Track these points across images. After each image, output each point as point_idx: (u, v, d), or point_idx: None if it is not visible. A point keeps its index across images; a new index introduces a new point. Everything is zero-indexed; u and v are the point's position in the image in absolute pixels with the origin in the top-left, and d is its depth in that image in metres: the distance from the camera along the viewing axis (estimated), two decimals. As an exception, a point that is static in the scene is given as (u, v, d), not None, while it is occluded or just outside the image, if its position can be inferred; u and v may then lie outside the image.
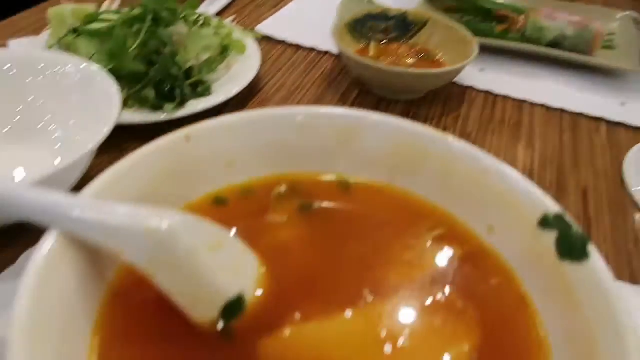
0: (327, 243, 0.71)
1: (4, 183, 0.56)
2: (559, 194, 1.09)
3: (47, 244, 0.54)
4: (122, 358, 0.55)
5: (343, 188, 0.79)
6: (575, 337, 0.57)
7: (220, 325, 0.59)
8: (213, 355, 0.56)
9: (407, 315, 0.62)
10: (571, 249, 0.59)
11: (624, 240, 0.99)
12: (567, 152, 1.23)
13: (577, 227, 0.60)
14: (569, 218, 0.61)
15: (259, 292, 0.63)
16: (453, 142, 0.72)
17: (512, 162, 1.16)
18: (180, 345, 0.57)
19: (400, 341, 0.58)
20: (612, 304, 0.54)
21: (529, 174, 1.14)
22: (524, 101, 1.40)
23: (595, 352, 0.53)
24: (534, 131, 1.29)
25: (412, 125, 0.75)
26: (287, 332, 0.58)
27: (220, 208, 0.75)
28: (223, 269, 0.60)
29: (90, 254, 0.58)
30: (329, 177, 0.80)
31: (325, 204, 0.77)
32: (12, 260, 0.81)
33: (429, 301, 0.64)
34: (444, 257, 0.69)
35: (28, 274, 0.51)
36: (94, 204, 0.56)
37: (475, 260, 0.69)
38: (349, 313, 0.61)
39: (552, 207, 0.63)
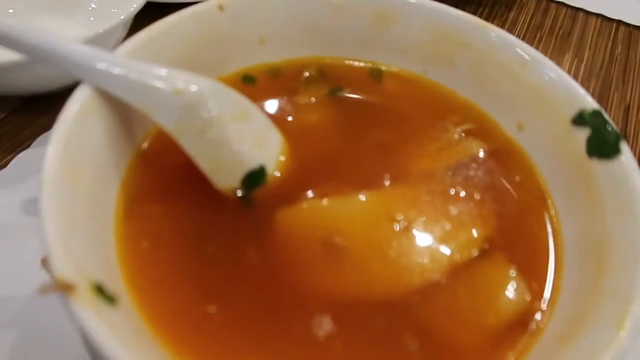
0: (352, 128, 0.71)
1: (40, 34, 0.56)
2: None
3: (79, 96, 0.55)
4: (147, 213, 0.58)
5: (375, 76, 0.77)
6: (591, 236, 0.57)
7: (241, 193, 0.61)
8: (232, 219, 0.59)
9: (422, 201, 0.62)
10: (603, 145, 0.57)
11: (661, 158, 0.96)
12: (616, 66, 1.16)
13: (612, 124, 0.58)
14: (606, 115, 0.59)
15: (281, 167, 0.65)
16: (494, 31, 0.69)
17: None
18: (202, 208, 0.59)
19: (413, 223, 0.60)
20: (635, 204, 0.53)
21: (572, 85, 1.08)
22: (579, 9, 1.31)
23: (608, 253, 0.53)
24: (584, 42, 1.21)
25: (455, 12, 0.71)
26: (304, 204, 0.60)
27: (248, 86, 0.74)
28: (247, 139, 0.61)
29: (121, 112, 0.59)
30: (361, 64, 0.78)
31: (355, 91, 0.76)
32: (49, 127, 0.85)
33: (446, 191, 0.64)
34: (468, 151, 0.69)
35: (60, 123, 0.52)
36: (125, 61, 0.56)
37: (500, 157, 0.68)
38: (366, 194, 0.62)
39: (590, 103, 0.60)
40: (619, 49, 1.21)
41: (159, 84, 0.56)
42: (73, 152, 0.52)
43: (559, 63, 1.15)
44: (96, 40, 0.83)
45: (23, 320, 0.64)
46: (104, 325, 0.39)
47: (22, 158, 0.83)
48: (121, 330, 0.41)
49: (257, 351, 0.49)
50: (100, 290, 0.43)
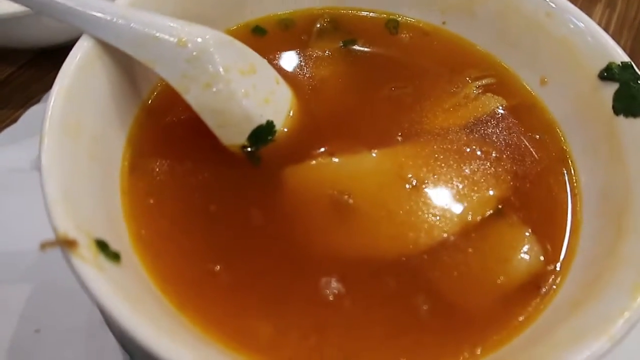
0: (365, 83, 0.68)
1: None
2: (630, 62, 0.98)
3: (80, 48, 0.53)
4: (153, 169, 0.57)
5: (390, 27, 0.73)
6: (611, 198, 0.54)
7: (248, 149, 0.59)
8: (238, 176, 0.58)
9: (436, 159, 0.60)
10: (631, 102, 0.54)
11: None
12: (652, 17, 1.09)
13: None
14: (637, 69, 0.55)
15: (290, 123, 0.63)
16: (519, -23, 0.64)
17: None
18: (208, 164, 0.58)
19: (425, 182, 0.58)
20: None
21: (602, 37, 1.02)
22: (614, -45, 1.22)
23: (629, 217, 0.51)
24: (619, -10, 1.14)
25: (475, -43, 0.67)
26: (313, 161, 0.58)
27: (258, 38, 0.71)
28: (255, 94, 0.59)
29: (125, 66, 0.57)
30: (377, 14, 0.74)
31: (369, 43, 0.72)
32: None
33: (461, 149, 0.62)
34: (486, 107, 0.66)
35: (61, 76, 0.51)
36: (127, 11, 0.54)
37: (520, 114, 0.65)
38: (377, 151, 0.60)
39: (620, 55, 0.56)
40: (656, -1, 1.13)
41: (162, 35, 0.54)
42: (75, 106, 0.50)
43: (589, 13, 1.08)
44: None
45: (36, 274, 0.65)
46: (105, 282, 0.39)
47: (33, 113, 0.82)
48: (123, 287, 0.40)
49: (261, 310, 0.49)
50: (103, 247, 0.43)
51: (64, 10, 0.53)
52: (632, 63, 0.55)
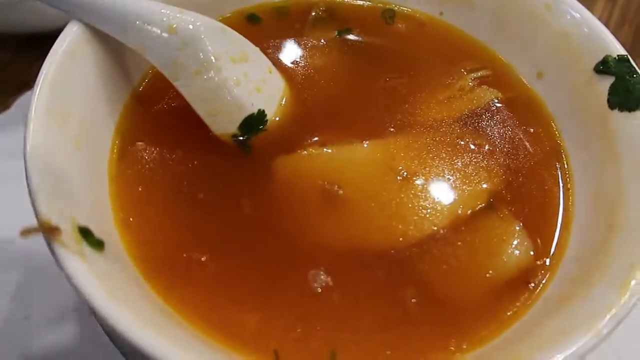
0: (359, 72, 0.67)
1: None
2: (631, 56, 0.97)
3: (67, 34, 0.52)
4: (142, 157, 0.57)
5: (387, 17, 0.72)
6: (604, 194, 0.53)
7: (239, 139, 0.59)
8: (229, 165, 0.57)
9: (428, 151, 0.59)
10: (626, 96, 0.53)
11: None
12: (654, 11, 1.07)
13: (639, 72, 0.53)
14: (634, 63, 0.54)
15: (282, 113, 0.62)
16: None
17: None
18: (198, 152, 0.58)
19: (416, 175, 0.57)
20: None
21: (603, 31, 1.01)
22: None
23: (620, 213, 0.50)
24: (621, -16, 1.12)
25: (473, -54, 0.66)
26: (304, 151, 0.58)
27: (252, 26, 0.71)
28: (247, 82, 0.59)
29: (115, 52, 0.57)
30: (373, 4, 0.73)
31: (365, 33, 0.71)
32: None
33: (455, 141, 0.61)
34: (481, 100, 0.65)
35: (47, 62, 0.50)
36: None
37: (515, 107, 0.64)
38: (369, 142, 0.59)
39: (617, 48, 0.55)
40: (658, -8, 1.12)
41: (153, 21, 0.53)
42: (62, 92, 0.50)
43: (590, 7, 1.07)
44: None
45: (25, 260, 0.64)
46: (87, 270, 0.39)
47: (26, 99, 0.82)
48: (106, 276, 0.40)
49: (248, 301, 0.49)
50: (86, 234, 0.43)
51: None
52: (629, 56, 0.55)
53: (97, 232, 0.44)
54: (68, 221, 0.41)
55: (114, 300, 0.37)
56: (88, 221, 0.44)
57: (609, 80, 0.55)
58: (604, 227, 0.50)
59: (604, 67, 0.56)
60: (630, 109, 0.52)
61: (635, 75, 0.53)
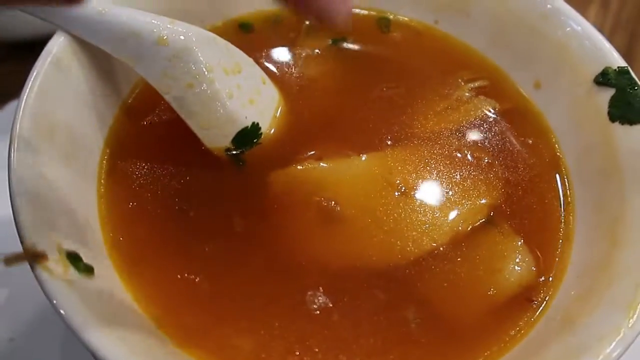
0: (354, 83, 0.66)
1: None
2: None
3: (54, 46, 0.51)
4: (132, 172, 0.55)
5: (382, 26, 0.71)
6: (605, 208, 0.52)
7: (233, 152, 0.57)
8: (222, 180, 0.56)
9: (426, 165, 0.58)
10: (627, 109, 0.52)
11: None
12: (646, 17, 1.07)
13: None
14: (634, 75, 0.53)
15: (277, 125, 0.61)
16: (513, -22, 0.62)
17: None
18: (190, 167, 0.56)
19: (414, 189, 0.56)
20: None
21: (596, 38, 1.01)
22: (609, -47, 1.20)
23: (623, 228, 0.49)
24: (613, -10, 1.12)
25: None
26: (299, 166, 0.56)
27: (245, 35, 0.69)
28: (240, 94, 0.57)
29: (104, 63, 0.55)
30: (368, 12, 0.72)
31: (359, 42, 0.70)
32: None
33: (452, 154, 0.60)
34: (478, 111, 0.64)
35: (33, 75, 0.48)
36: (104, 6, 0.52)
37: (513, 118, 0.63)
38: (366, 156, 0.58)
39: (617, 59, 0.55)
40: (650, -2, 1.12)
41: (142, 32, 0.51)
42: (48, 106, 0.48)
43: (584, 13, 1.07)
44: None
45: (9, 281, 0.62)
46: (74, 299, 0.37)
47: (11, 108, 0.79)
48: (95, 303, 0.38)
49: (243, 323, 0.47)
50: (74, 260, 0.41)
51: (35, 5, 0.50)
52: (629, 68, 0.54)
53: (86, 256, 0.42)
54: (55, 246, 0.40)
55: (102, 329, 0.36)
56: (76, 245, 0.42)
57: (609, 93, 0.54)
58: (607, 242, 0.49)
59: (603, 79, 0.55)
60: (632, 122, 0.52)
61: (636, 88, 0.53)
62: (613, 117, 0.53)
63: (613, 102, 0.54)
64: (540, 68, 0.62)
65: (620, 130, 0.53)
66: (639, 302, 0.41)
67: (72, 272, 0.39)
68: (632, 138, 0.51)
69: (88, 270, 0.41)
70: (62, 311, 0.36)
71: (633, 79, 0.53)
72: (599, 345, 0.39)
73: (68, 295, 0.37)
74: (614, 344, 0.39)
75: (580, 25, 0.58)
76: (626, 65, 0.54)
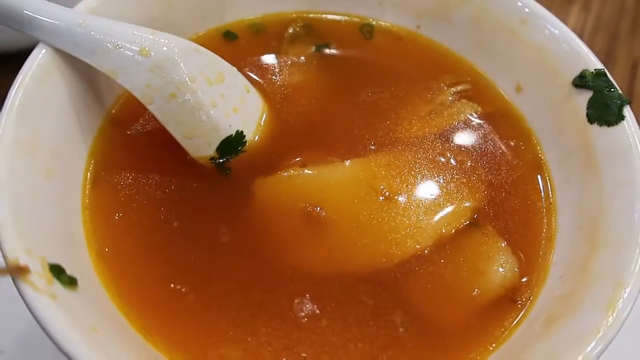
0: (338, 89, 0.67)
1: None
2: (605, 64, 0.97)
3: (35, 58, 0.50)
4: (116, 182, 0.55)
5: (365, 32, 0.72)
6: (586, 208, 0.53)
7: (218, 161, 0.57)
8: (207, 189, 0.56)
9: (410, 169, 0.59)
10: (604, 110, 0.53)
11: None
12: (627, 18, 1.09)
13: (616, 87, 0.54)
14: (611, 77, 0.54)
15: (261, 133, 0.61)
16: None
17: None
18: (175, 176, 0.56)
19: (398, 194, 0.56)
20: (635, 175, 0.49)
21: (578, 39, 1.03)
22: (589, -44, 1.22)
23: (603, 228, 0.49)
24: (594, -8, 1.14)
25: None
26: (283, 173, 0.56)
27: (229, 43, 0.69)
28: (223, 103, 0.57)
29: (86, 74, 0.55)
30: (351, 19, 0.73)
31: (343, 48, 0.70)
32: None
33: (436, 158, 0.60)
34: (461, 115, 0.64)
35: (14, 88, 0.48)
36: (86, 18, 0.52)
37: (495, 121, 0.64)
38: (350, 162, 0.58)
39: (594, 62, 0.55)
40: (629, 0, 1.14)
41: (124, 44, 0.52)
42: (30, 119, 0.48)
43: (565, 15, 1.08)
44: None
45: (1, 289, 0.62)
46: (58, 312, 0.37)
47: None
48: (79, 316, 0.38)
49: (230, 332, 0.47)
50: (58, 272, 0.41)
51: (16, 17, 0.51)
52: (606, 71, 0.55)
53: (70, 268, 0.42)
54: (38, 259, 0.40)
55: (86, 342, 0.36)
56: (60, 257, 0.42)
57: (587, 95, 0.55)
58: (587, 243, 0.49)
59: (581, 81, 0.56)
60: (609, 123, 0.52)
61: (612, 90, 0.53)
62: (591, 118, 0.54)
63: (591, 104, 0.55)
64: (520, 71, 0.63)
65: (599, 132, 0.53)
66: (617, 301, 0.41)
67: (55, 284, 0.39)
68: (610, 139, 0.52)
69: (72, 282, 0.41)
70: (45, 324, 0.36)
71: (610, 81, 0.54)
72: (579, 344, 0.40)
73: (51, 308, 0.37)
74: (594, 342, 0.40)
75: (558, 28, 0.59)
76: (603, 67, 0.55)
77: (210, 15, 0.69)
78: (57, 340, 0.35)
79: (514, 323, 0.49)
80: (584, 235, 0.50)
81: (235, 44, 0.69)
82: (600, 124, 0.53)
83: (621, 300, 0.41)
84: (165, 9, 0.64)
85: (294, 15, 0.71)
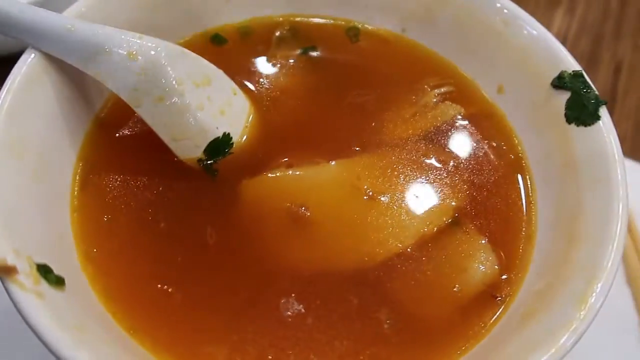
0: (325, 91, 0.68)
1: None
2: (589, 66, 1.00)
3: (24, 62, 0.51)
4: (105, 185, 0.56)
5: (351, 35, 0.73)
6: (565, 206, 0.54)
7: (205, 162, 0.58)
8: (194, 191, 0.57)
9: (394, 170, 0.60)
10: (582, 110, 0.54)
11: (648, 119, 0.93)
12: (610, 21, 1.11)
13: (593, 87, 0.55)
14: (588, 78, 0.56)
15: (248, 134, 0.62)
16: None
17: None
18: (163, 178, 0.57)
19: (383, 194, 0.57)
20: (610, 173, 0.50)
21: (562, 42, 1.04)
22: (574, -41, 1.24)
23: (580, 225, 0.51)
24: (578, -5, 1.16)
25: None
26: (270, 174, 0.57)
27: (217, 47, 0.70)
28: (209, 106, 0.58)
29: (74, 78, 0.56)
30: (337, 22, 0.74)
31: (329, 51, 0.71)
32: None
33: (420, 159, 0.61)
34: (445, 116, 0.66)
35: (3, 92, 0.49)
36: (74, 22, 0.53)
37: (478, 121, 0.65)
38: (335, 163, 0.59)
39: (571, 64, 0.57)
40: (615, 2, 1.16)
41: (112, 48, 0.52)
42: (19, 123, 0.49)
43: (550, 18, 1.10)
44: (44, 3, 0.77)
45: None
46: (45, 311, 0.38)
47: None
48: (66, 315, 0.39)
49: (217, 331, 0.48)
50: (46, 272, 0.41)
51: (5, 21, 0.51)
52: (583, 72, 0.56)
53: (58, 268, 0.43)
54: (25, 259, 0.40)
55: (73, 340, 0.36)
56: (47, 257, 0.43)
57: (565, 95, 0.57)
58: (565, 240, 0.51)
59: (560, 82, 0.57)
60: (587, 123, 0.54)
61: (589, 91, 0.55)
62: (569, 119, 0.56)
63: (569, 105, 0.56)
64: (503, 73, 0.65)
65: (577, 132, 0.55)
66: (590, 296, 0.43)
67: (43, 284, 0.40)
68: (587, 138, 0.54)
69: (59, 282, 0.42)
70: (32, 323, 0.36)
71: (587, 82, 0.56)
72: (553, 337, 0.41)
73: (38, 308, 0.37)
74: (567, 335, 0.41)
75: (538, 31, 0.60)
76: (580, 69, 0.56)
77: (198, 20, 0.70)
78: (44, 338, 0.36)
79: (494, 318, 0.51)
80: (562, 232, 0.52)
81: (222, 48, 0.70)
82: (578, 124, 0.55)
83: (594, 294, 0.43)
84: (153, 13, 0.65)
85: (281, 18, 0.72)
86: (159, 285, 0.49)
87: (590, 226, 0.48)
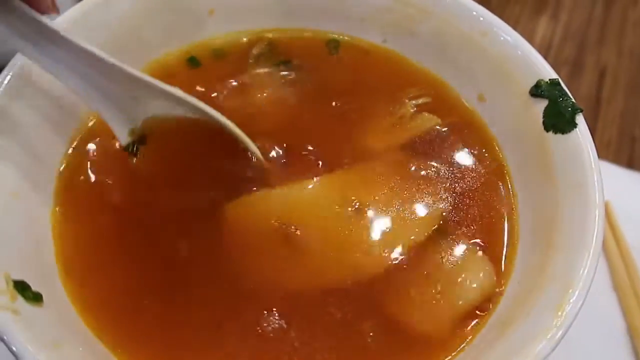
0: (306, 106, 0.68)
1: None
2: (574, 72, 1.01)
3: (5, 75, 0.52)
4: (85, 199, 0.56)
5: (331, 47, 0.73)
6: (544, 213, 0.54)
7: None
8: (175, 205, 0.57)
9: (377, 182, 0.60)
10: (559, 118, 0.55)
11: (631, 125, 0.94)
12: (594, 27, 1.12)
13: (570, 96, 0.55)
14: (564, 87, 0.56)
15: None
16: (456, -1, 0.64)
17: (530, 35, 1.07)
18: (142, 193, 0.57)
19: (367, 207, 0.57)
20: (586, 180, 0.51)
21: (547, 48, 1.05)
22: (558, -33, 1.25)
23: (557, 232, 0.51)
24: (563, 2, 1.17)
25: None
26: (253, 195, 0.57)
27: (194, 70, 0.69)
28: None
29: (58, 96, 0.56)
30: (317, 35, 0.74)
31: (309, 64, 0.71)
32: None
33: (402, 170, 0.62)
34: (426, 125, 0.66)
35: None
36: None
37: (459, 130, 0.65)
38: (318, 178, 0.59)
39: (548, 73, 0.57)
40: (599, 8, 1.17)
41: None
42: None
43: (534, 24, 1.11)
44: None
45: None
46: (21, 328, 0.38)
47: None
48: (44, 332, 0.39)
49: (200, 346, 0.48)
50: (22, 289, 0.42)
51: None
52: (560, 80, 0.57)
53: (36, 284, 0.43)
54: (2, 276, 0.41)
55: (44, 356, 0.36)
56: (26, 273, 0.43)
57: (543, 104, 0.57)
58: (544, 247, 0.51)
59: (537, 90, 0.58)
60: (564, 131, 0.54)
61: (566, 99, 0.55)
62: (547, 126, 0.56)
63: (547, 113, 0.56)
64: (482, 82, 0.65)
65: (554, 139, 0.55)
66: (566, 303, 0.43)
67: (19, 300, 0.40)
68: (564, 146, 0.54)
69: (36, 298, 0.42)
70: (7, 340, 0.36)
71: (563, 90, 0.56)
72: (530, 345, 0.41)
73: (14, 325, 0.37)
74: (543, 342, 0.41)
75: (514, 39, 0.61)
76: (557, 77, 0.57)
77: (178, 35, 0.69)
78: (19, 356, 0.36)
79: (476, 329, 0.51)
80: (542, 239, 0.52)
81: (199, 70, 0.69)
82: (555, 132, 0.55)
83: (570, 302, 0.43)
84: (133, 29, 0.65)
85: (259, 33, 0.72)
86: (139, 301, 0.49)
87: (568, 233, 0.49)
